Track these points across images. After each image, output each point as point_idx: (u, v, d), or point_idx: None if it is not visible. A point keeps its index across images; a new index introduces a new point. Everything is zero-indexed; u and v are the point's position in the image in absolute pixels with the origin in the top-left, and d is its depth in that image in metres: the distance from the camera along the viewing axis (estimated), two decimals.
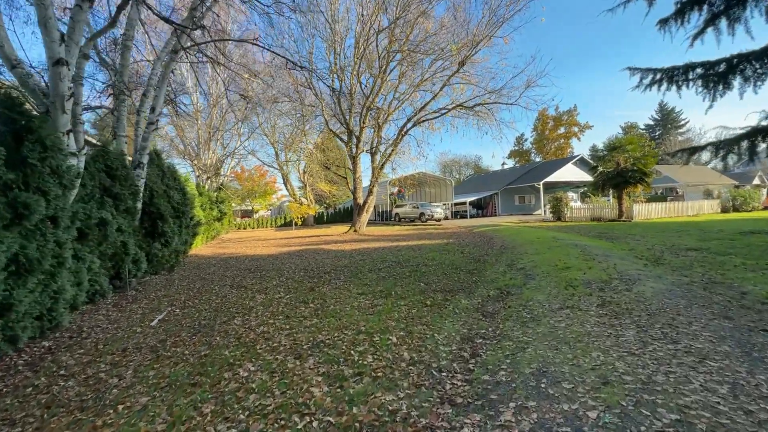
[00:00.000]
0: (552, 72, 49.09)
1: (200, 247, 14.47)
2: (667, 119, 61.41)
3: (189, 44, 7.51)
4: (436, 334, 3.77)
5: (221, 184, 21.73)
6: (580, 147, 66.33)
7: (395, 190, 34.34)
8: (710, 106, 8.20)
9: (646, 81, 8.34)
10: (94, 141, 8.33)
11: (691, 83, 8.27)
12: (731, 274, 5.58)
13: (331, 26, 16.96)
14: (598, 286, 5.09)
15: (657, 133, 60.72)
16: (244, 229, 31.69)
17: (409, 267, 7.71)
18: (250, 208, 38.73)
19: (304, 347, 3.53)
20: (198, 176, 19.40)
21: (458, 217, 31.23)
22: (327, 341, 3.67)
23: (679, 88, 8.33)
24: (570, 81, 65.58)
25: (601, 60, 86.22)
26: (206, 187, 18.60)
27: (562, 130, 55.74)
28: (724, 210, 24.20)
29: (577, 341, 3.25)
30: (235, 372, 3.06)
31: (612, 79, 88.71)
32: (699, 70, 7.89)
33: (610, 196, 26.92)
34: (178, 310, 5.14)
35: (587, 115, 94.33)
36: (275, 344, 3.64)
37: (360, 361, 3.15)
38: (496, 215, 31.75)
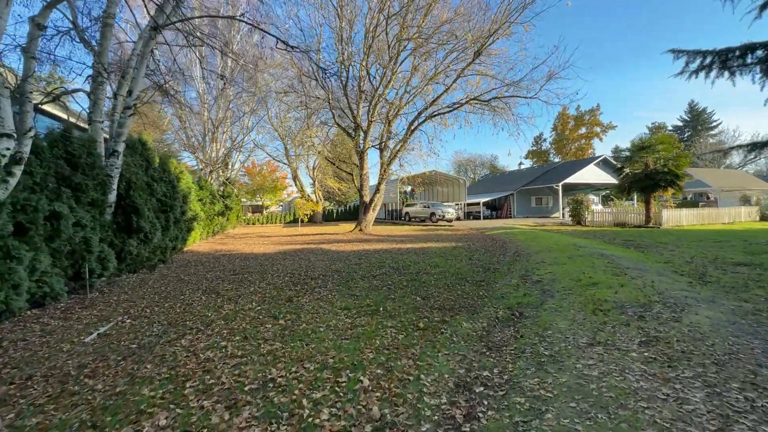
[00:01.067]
0: (577, 63, 46.70)
1: (199, 243, 13.91)
2: (697, 120, 58.05)
3: (169, 22, 6.80)
4: (423, 375, 2.87)
5: (227, 178, 21.23)
6: (602, 148, 63.55)
7: (408, 188, 33.31)
8: None
9: (693, 66, 7.14)
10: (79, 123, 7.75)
11: (747, 69, 7.04)
12: None
13: (337, 11, 16.09)
14: (636, 312, 4.06)
15: (686, 135, 57.52)
16: (253, 224, 31.34)
17: (408, 275, 6.79)
18: (260, 203, 38.45)
19: (246, 389, 2.68)
20: (201, 169, 18.92)
21: (471, 218, 30.00)
22: (279, 380, 2.81)
23: (732, 74, 7.09)
24: (594, 75, 62.75)
25: (626, 55, 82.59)
26: (210, 180, 18.07)
27: (583, 130, 53.45)
28: (764, 218, 22.22)
29: (619, 405, 2.29)
30: (139, 427, 2.24)
31: (639, 76, 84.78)
32: (759, 53, 6.64)
33: (635, 200, 25.23)
34: (128, 321, 4.40)
35: (610, 116, 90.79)
36: (212, 381, 2.82)
37: (310, 419, 2.28)
38: (511, 217, 30.36)
